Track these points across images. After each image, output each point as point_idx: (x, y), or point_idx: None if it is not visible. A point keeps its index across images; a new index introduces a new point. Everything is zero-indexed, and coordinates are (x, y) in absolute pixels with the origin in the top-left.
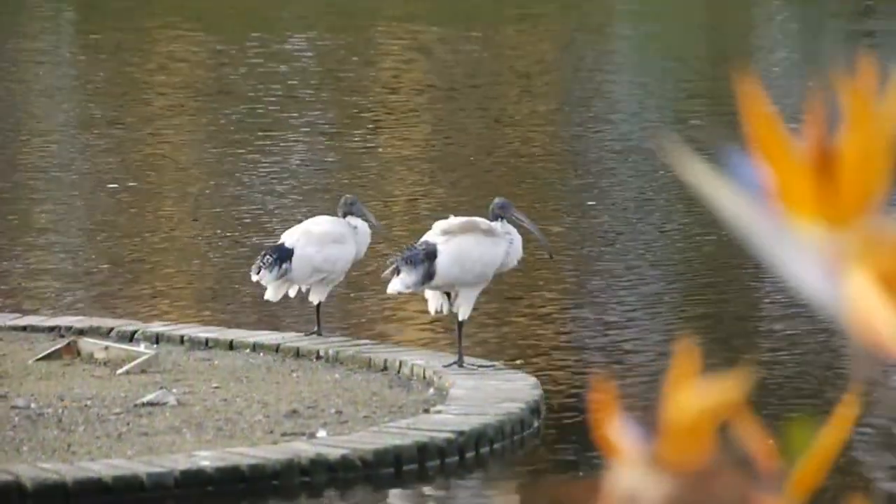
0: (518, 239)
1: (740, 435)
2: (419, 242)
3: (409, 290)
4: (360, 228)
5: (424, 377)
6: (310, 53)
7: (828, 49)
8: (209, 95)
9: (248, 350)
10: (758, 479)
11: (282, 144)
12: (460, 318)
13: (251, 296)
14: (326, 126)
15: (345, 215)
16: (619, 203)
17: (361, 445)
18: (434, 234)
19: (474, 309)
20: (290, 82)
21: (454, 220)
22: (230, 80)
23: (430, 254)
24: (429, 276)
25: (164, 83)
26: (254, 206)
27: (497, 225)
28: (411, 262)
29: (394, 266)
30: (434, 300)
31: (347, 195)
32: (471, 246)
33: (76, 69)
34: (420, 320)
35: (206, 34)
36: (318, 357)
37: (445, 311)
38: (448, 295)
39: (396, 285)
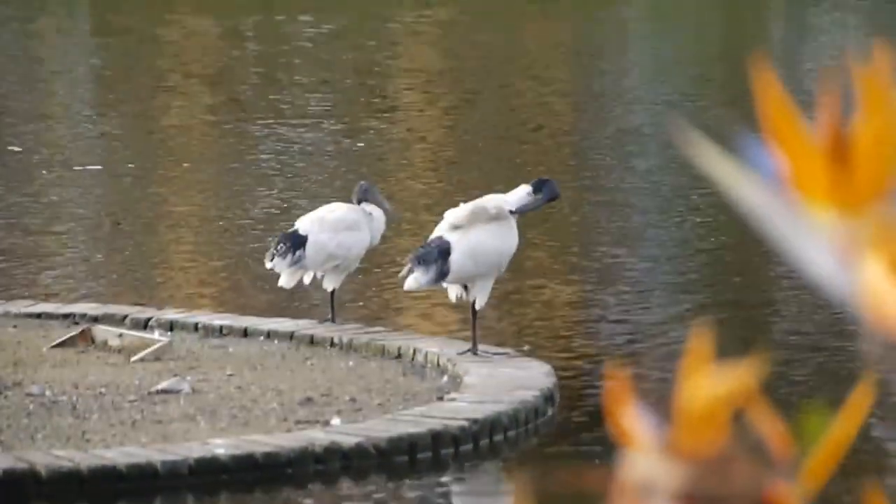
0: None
1: (754, 422)
2: (432, 238)
3: (424, 288)
4: (375, 215)
5: (438, 365)
6: (316, 38)
7: (844, 35)
8: (220, 83)
9: (262, 337)
10: (772, 467)
11: (292, 130)
12: (477, 307)
13: (265, 282)
14: (336, 112)
15: (360, 202)
16: (632, 189)
17: (375, 433)
18: (445, 228)
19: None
20: (299, 68)
21: (462, 211)
22: (242, 67)
23: (443, 251)
24: (442, 274)
25: (175, 70)
26: (265, 193)
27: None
28: (424, 261)
29: (409, 267)
30: (454, 288)
31: (362, 182)
32: (483, 239)
33: (89, 54)
34: (434, 308)
35: (214, 19)
36: (333, 345)
37: (469, 298)
38: (465, 286)
39: (411, 283)
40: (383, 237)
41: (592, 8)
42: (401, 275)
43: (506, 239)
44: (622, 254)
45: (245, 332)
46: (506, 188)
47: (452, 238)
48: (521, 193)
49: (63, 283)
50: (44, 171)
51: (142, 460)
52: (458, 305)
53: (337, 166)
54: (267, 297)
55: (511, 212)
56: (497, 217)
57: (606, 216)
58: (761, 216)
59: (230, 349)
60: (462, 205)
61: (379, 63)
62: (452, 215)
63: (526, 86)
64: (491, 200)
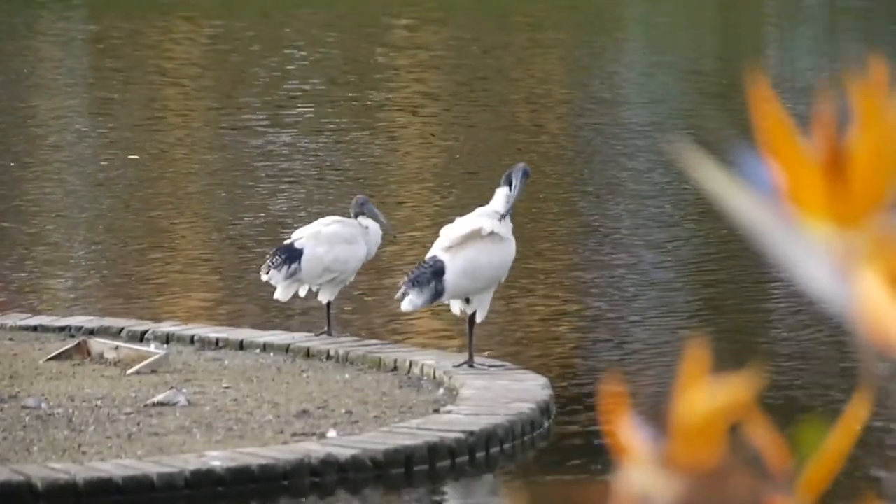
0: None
1: (751, 435)
2: (427, 258)
3: (420, 309)
4: (372, 229)
5: (434, 377)
6: (315, 47)
7: (840, 48)
8: (219, 92)
9: (258, 350)
10: (769, 479)
11: (288, 140)
12: (477, 320)
13: (262, 295)
14: (334, 124)
15: (356, 215)
16: (628, 202)
17: (372, 445)
18: (440, 247)
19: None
20: (298, 78)
21: (456, 233)
22: (240, 74)
23: (438, 272)
24: (437, 295)
25: (173, 77)
26: (262, 205)
27: (504, 196)
28: (418, 283)
29: (403, 289)
30: (456, 302)
31: (359, 195)
32: (477, 256)
33: (86, 59)
34: (430, 320)
35: (214, 23)
36: (329, 357)
37: (469, 311)
38: (467, 299)
39: (407, 306)
40: (379, 250)
41: (589, 26)
42: (396, 297)
43: (501, 253)
44: (618, 266)
45: (241, 345)
46: None
47: (446, 257)
48: (502, 195)
49: (59, 296)
50: (39, 183)
51: (138, 473)
52: (454, 318)
53: (334, 178)
54: (263, 310)
55: (503, 215)
56: (491, 236)
57: (603, 229)
58: (759, 230)
59: (226, 362)
60: (458, 219)
61: (376, 75)
62: (446, 235)
63: (522, 97)
64: (482, 219)
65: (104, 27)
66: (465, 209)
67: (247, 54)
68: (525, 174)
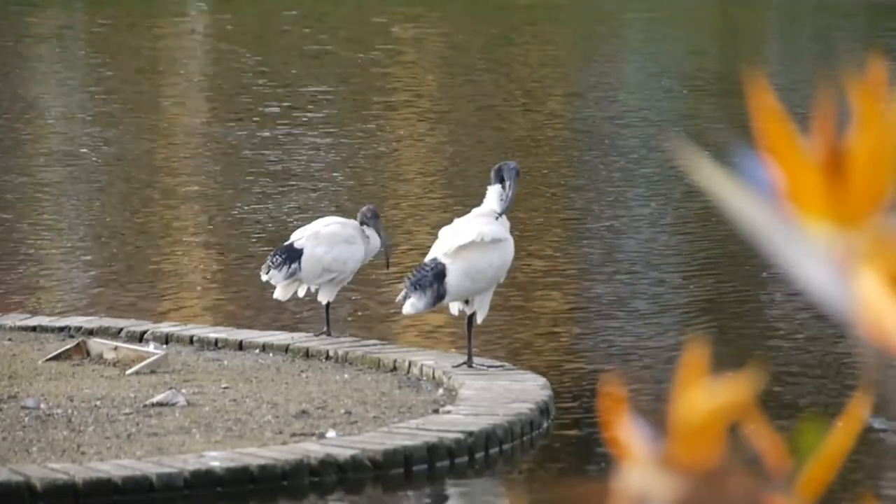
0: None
1: (750, 435)
2: (427, 260)
3: (423, 313)
4: (372, 239)
5: (434, 377)
6: (310, 45)
7: (839, 48)
8: (218, 90)
9: (257, 350)
10: (768, 480)
11: (288, 140)
12: (478, 321)
13: (261, 295)
14: (333, 123)
15: (361, 223)
16: (627, 202)
17: (371, 446)
18: (440, 250)
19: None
20: (296, 76)
21: (454, 242)
22: (240, 72)
23: (439, 274)
24: (440, 297)
25: (172, 77)
26: (263, 204)
27: (497, 192)
28: (420, 286)
29: (405, 292)
30: (455, 303)
31: (371, 205)
32: (478, 258)
33: (87, 57)
34: (429, 321)
35: (214, 16)
36: (328, 357)
37: (468, 311)
38: (466, 300)
39: (409, 309)
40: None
41: (589, 22)
42: (397, 300)
43: (500, 253)
44: (617, 266)
45: (240, 345)
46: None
47: (447, 259)
48: (496, 194)
49: (58, 296)
50: (43, 181)
51: (137, 473)
52: (453, 318)
53: (332, 178)
54: (262, 310)
55: (500, 214)
56: (492, 240)
57: (601, 229)
58: (758, 230)
59: (225, 362)
60: (456, 220)
61: (374, 72)
62: (445, 241)
63: (518, 94)
64: (479, 222)
65: (97, 19)
66: (462, 209)
67: (240, 51)
68: (517, 174)
